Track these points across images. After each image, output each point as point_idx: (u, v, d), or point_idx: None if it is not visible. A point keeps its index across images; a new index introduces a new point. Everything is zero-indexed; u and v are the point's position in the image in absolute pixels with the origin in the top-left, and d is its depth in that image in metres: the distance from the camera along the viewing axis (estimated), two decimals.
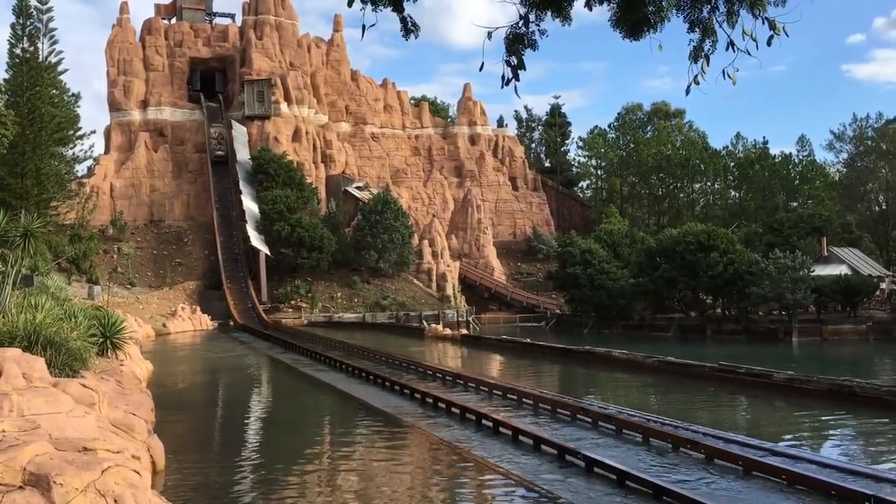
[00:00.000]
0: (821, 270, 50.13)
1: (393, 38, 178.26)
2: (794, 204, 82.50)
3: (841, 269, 52.15)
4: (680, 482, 11.03)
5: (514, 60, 6.85)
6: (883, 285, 53.39)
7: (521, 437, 14.30)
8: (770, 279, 45.04)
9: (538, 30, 6.88)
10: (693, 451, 13.10)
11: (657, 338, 48.14)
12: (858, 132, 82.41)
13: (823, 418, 17.97)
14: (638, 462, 12.48)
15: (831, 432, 16.83)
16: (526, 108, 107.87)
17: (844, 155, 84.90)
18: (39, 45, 52.97)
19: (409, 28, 7.06)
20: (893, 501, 9.68)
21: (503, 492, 11.44)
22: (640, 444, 14.03)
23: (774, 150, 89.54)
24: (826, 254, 55.96)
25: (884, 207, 79.88)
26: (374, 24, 6.90)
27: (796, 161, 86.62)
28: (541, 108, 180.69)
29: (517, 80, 6.91)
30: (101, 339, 18.57)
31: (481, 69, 6.99)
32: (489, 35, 6.71)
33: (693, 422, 15.89)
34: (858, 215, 78.34)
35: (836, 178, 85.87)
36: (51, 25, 53.49)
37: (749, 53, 6.35)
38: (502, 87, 6.91)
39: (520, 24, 6.84)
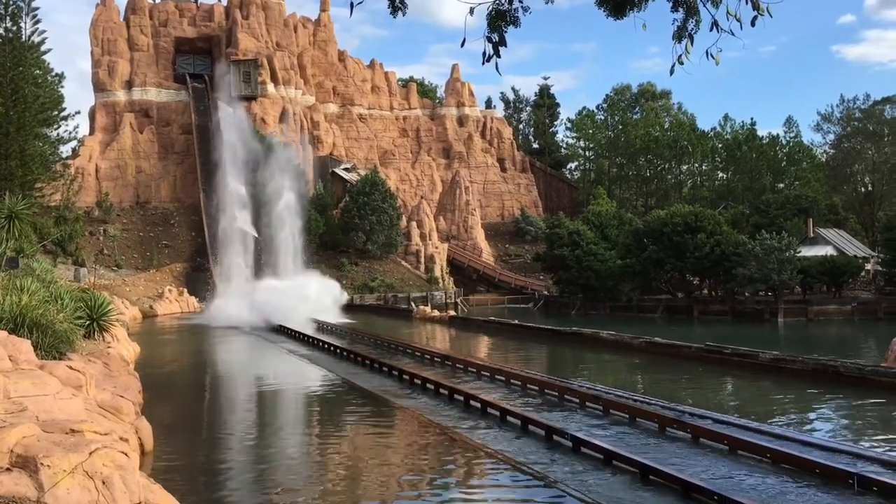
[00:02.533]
0: (807, 251, 50.46)
1: (383, 17, 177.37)
2: (781, 185, 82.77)
3: (827, 250, 52.51)
4: (666, 461, 11.12)
5: (495, 37, 6.81)
6: (868, 266, 53.81)
7: (509, 418, 14.38)
8: (756, 260, 45.27)
9: (521, 6, 6.83)
10: (679, 430, 13.21)
11: (644, 319, 48.37)
12: (846, 113, 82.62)
13: (808, 398, 18.14)
14: (625, 442, 12.58)
15: (816, 412, 17.00)
16: (513, 89, 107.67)
17: (831, 136, 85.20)
18: (22, 24, 52.27)
19: (396, 5, 6.99)
20: (876, 479, 9.81)
21: (491, 472, 11.51)
22: (627, 425, 14.14)
23: (762, 132, 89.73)
24: (812, 235, 56.31)
25: (870, 189, 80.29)
26: (361, 2, 6.83)
27: (783, 142, 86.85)
28: (530, 89, 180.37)
29: (498, 57, 6.87)
30: (88, 322, 18.51)
31: (462, 45, 6.94)
32: (471, 11, 6.66)
33: (680, 402, 16.03)
34: (844, 196, 78.73)
35: (823, 160, 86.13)
36: (33, 4, 52.83)
37: (733, 34, 6.34)
38: (483, 63, 6.87)
39: (503, 1, 6.80)
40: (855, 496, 9.66)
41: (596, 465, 11.24)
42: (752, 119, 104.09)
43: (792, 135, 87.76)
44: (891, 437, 13.87)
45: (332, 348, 27.24)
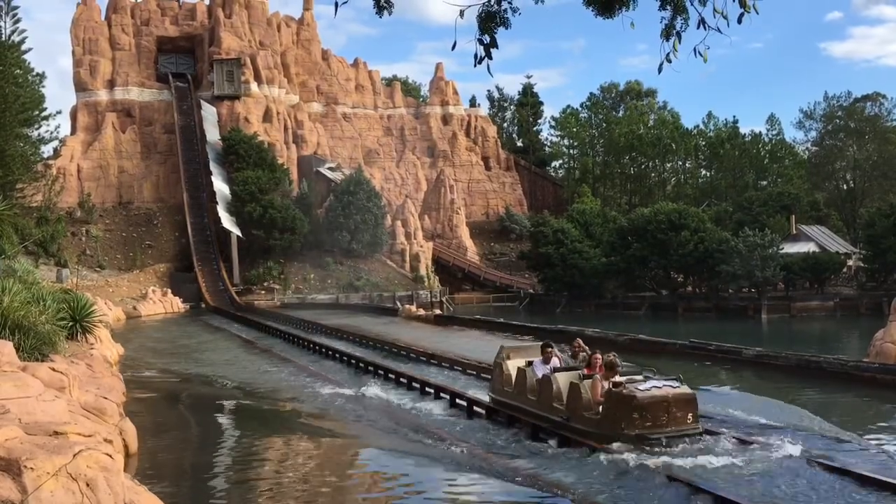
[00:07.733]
0: (789, 248, 50.83)
1: (370, 15, 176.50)
2: (764, 182, 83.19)
3: (809, 247, 52.94)
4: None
5: (486, 39, 6.81)
6: (850, 262, 54.28)
7: (497, 417, 14.38)
8: (740, 257, 45.57)
9: (510, 7, 6.84)
10: None
11: (629, 316, 48.56)
12: (828, 111, 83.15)
13: (791, 394, 18.24)
14: None
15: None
16: (497, 87, 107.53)
17: (814, 133, 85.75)
18: (2, 23, 51.91)
19: (381, 5, 6.97)
20: (858, 473, 9.88)
21: (477, 468, 11.49)
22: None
23: (746, 129, 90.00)
24: (795, 232, 56.73)
25: (851, 185, 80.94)
26: (346, 1, 6.80)
27: (766, 140, 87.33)
28: (517, 87, 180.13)
29: (490, 58, 6.88)
30: (71, 323, 18.33)
31: (454, 48, 6.93)
32: (461, 13, 6.66)
33: None
34: (826, 193, 79.35)
35: (805, 157, 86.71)
36: (13, 3, 52.42)
37: (720, 31, 6.38)
38: (475, 65, 6.87)
39: (492, 2, 6.80)
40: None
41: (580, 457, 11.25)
42: (734, 117, 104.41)
43: (774, 132, 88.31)
44: (873, 431, 13.98)
45: (310, 345, 27.23)
